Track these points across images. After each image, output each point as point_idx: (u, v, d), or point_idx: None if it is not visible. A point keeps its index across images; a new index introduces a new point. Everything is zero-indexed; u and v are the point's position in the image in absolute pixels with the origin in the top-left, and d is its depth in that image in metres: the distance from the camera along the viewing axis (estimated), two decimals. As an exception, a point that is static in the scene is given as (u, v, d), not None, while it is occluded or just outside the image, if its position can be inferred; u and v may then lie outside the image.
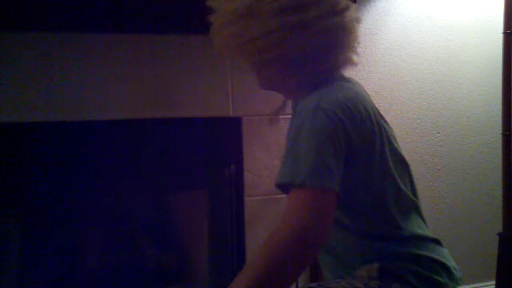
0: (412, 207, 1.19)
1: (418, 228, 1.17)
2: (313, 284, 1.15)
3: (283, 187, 1.03)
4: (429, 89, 2.32)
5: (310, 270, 2.00)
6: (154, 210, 2.22)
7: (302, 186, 0.98)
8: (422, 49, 2.30)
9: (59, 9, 1.69)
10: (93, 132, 1.81)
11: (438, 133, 2.35)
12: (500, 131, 2.06)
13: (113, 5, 1.75)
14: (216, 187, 2.07)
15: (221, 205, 2.05)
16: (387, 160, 1.12)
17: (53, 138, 1.77)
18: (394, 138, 1.20)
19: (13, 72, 1.70)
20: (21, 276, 1.94)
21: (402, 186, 1.16)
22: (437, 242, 1.19)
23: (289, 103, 1.32)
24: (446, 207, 2.37)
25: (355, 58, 1.19)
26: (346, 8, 1.14)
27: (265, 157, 1.98)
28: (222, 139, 1.98)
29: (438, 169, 2.36)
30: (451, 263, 1.16)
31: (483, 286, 2.37)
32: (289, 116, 1.29)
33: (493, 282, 2.11)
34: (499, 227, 2.08)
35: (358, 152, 1.06)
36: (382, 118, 1.18)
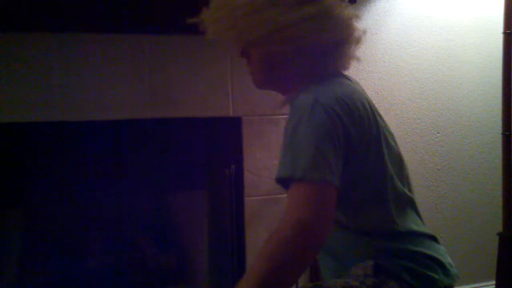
0: (408, 203, 1.19)
1: (414, 224, 1.17)
2: (310, 285, 1.15)
3: (283, 182, 1.03)
4: (429, 89, 2.32)
5: (310, 270, 2.00)
6: (154, 210, 2.22)
7: (302, 180, 0.98)
8: (422, 49, 2.30)
9: (59, 9, 1.69)
10: (93, 132, 1.81)
11: (438, 133, 2.35)
12: (500, 131, 2.06)
13: (113, 5, 1.75)
14: (216, 187, 2.07)
15: (221, 205, 2.05)
16: (383, 156, 1.13)
17: (53, 138, 1.77)
18: (391, 135, 1.21)
19: (13, 72, 1.70)
20: (22, 276, 1.95)
21: (398, 182, 1.16)
22: (433, 238, 1.19)
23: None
24: (446, 207, 2.37)
25: (357, 54, 1.20)
26: (346, 6, 1.17)
27: (265, 157, 1.98)
28: (222, 139, 1.98)
29: (438, 169, 2.36)
30: (447, 259, 1.16)
31: (483, 286, 2.37)
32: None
33: (493, 282, 2.11)
34: (499, 227, 2.08)
35: (356, 147, 1.07)
36: (379, 115, 1.18)
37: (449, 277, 1.14)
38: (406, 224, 1.15)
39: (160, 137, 1.89)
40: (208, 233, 2.11)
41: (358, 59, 1.21)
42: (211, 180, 2.08)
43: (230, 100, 1.95)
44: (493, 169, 2.38)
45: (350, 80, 1.20)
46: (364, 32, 1.20)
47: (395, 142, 1.21)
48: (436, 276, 1.11)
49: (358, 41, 1.19)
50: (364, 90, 1.21)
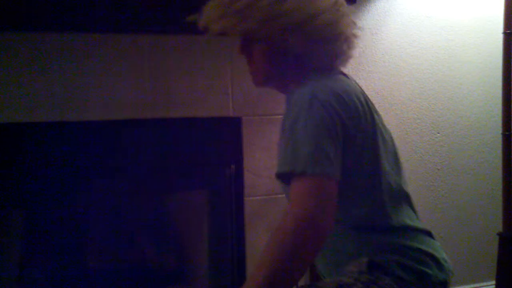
0: (403, 198, 1.19)
1: (408, 219, 1.17)
2: (305, 285, 1.15)
3: (284, 177, 1.04)
4: (429, 89, 2.32)
5: (310, 271, 2.00)
6: (154, 210, 2.22)
7: (304, 174, 0.99)
8: (422, 49, 2.30)
9: (59, 9, 1.69)
10: (93, 132, 1.81)
11: (438, 133, 2.35)
12: (500, 131, 2.06)
13: (113, 5, 1.75)
14: (216, 187, 2.07)
15: (221, 205, 2.05)
16: (378, 150, 1.14)
17: (53, 138, 1.77)
18: (387, 131, 1.21)
19: (13, 72, 1.70)
20: (22, 276, 1.95)
21: (394, 177, 1.17)
22: (428, 234, 1.19)
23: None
24: (446, 207, 2.37)
25: (352, 52, 1.22)
26: (343, 4, 1.19)
27: (265, 157, 1.98)
28: (222, 139, 1.98)
29: (438, 169, 2.36)
30: (441, 254, 1.17)
31: (483, 286, 2.37)
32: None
33: (493, 282, 2.11)
34: (499, 227, 2.08)
35: (352, 141, 1.08)
36: (376, 111, 1.19)
37: (443, 272, 1.14)
38: (400, 218, 1.15)
39: (160, 137, 1.89)
40: (208, 233, 2.11)
41: (354, 56, 1.23)
42: (211, 180, 2.08)
43: (230, 100, 1.95)
44: (493, 169, 2.38)
45: (346, 76, 1.22)
46: (360, 28, 1.22)
47: (391, 138, 1.22)
48: (429, 271, 1.11)
49: (354, 36, 1.20)
50: (358, 84, 1.22)
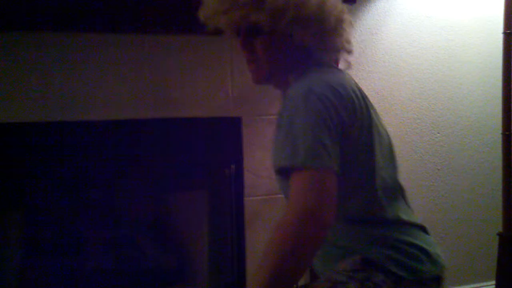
0: (397, 192, 1.20)
1: (402, 213, 1.18)
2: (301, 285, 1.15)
3: (283, 171, 1.04)
4: (429, 89, 2.32)
5: (310, 270, 2.00)
6: (154, 210, 2.22)
7: (303, 168, 1.00)
8: (422, 49, 2.30)
9: (59, 9, 1.69)
10: (93, 132, 1.81)
11: (438, 133, 2.35)
12: (500, 131, 2.06)
13: (113, 5, 1.75)
14: (216, 187, 2.07)
15: (221, 205, 2.05)
16: (374, 144, 1.14)
17: (53, 138, 1.77)
18: (382, 125, 1.22)
19: (13, 72, 1.70)
20: (22, 276, 1.94)
21: (389, 171, 1.18)
22: (422, 228, 1.20)
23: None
24: (446, 207, 2.37)
25: (348, 46, 1.23)
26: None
27: (265, 157, 1.98)
28: (222, 139, 1.98)
29: (438, 169, 2.36)
30: (435, 250, 1.17)
31: (483, 286, 2.37)
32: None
33: (493, 282, 2.11)
34: (499, 227, 2.08)
35: (348, 133, 1.09)
36: (371, 105, 1.20)
37: (436, 268, 1.14)
38: (395, 212, 1.16)
39: (160, 137, 1.89)
40: (208, 233, 2.11)
41: (351, 51, 1.24)
42: (211, 180, 2.08)
43: (230, 100, 1.95)
44: (493, 169, 2.38)
45: (339, 69, 1.23)
46: (351, 22, 1.23)
47: (387, 133, 1.23)
48: (422, 266, 1.12)
49: (350, 33, 1.22)
50: (353, 78, 1.23)
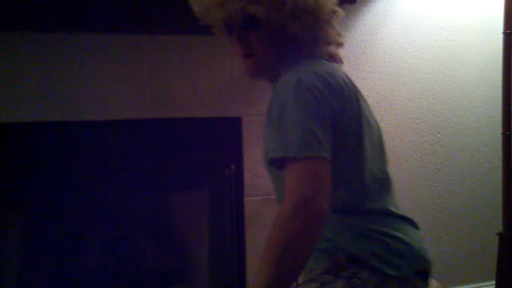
0: (385, 185, 1.20)
1: (391, 206, 1.18)
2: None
3: (276, 162, 1.05)
4: (429, 89, 2.32)
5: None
6: (154, 210, 2.22)
7: (295, 159, 1.01)
8: (422, 49, 2.30)
9: (59, 9, 1.69)
10: (93, 132, 1.81)
11: (438, 133, 2.35)
12: (500, 131, 2.07)
13: (112, 5, 1.75)
14: (216, 187, 2.07)
15: (221, 205, 2.05)
16: (363, 134, 1.15)
17: (53, 138, 1.77)
18: (372, 117, 1.22)
19: (13, 72, 1.70)
20: (22, 276, 1.94)
21: (377, 163, 1.18)
22: (410, 222, 1.20)
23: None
24: (446, 207, 2.37)
25: (338, 38, 1.24)
26: None
27: (265, 157, 1.98)
28: (222, 139, 1.98)
29: (438, 169, 2.36)
30: (420, 244, 1.17)
31: (483, 286, 2.37)
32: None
33: (493, 282, 2.11)
34: (499, 227, 2.08)
35: (337, 123, 1.09)
36: (362, 96, 1.20)
37: (419, 263, 1.14)
38: (382, 204, 1.16)
39: (160, 137, 1.89)
40: (208, 233, 2.11)
41: (341, 44, 1.25)
42: (211, 180, 2.07)
43: (230, 100, 1.95)
44: (493, 169, 2.38)
45: (330, 62, 1.23)
46: (341, 16, 1.23)
47: (377, 124, 1.23)
48: (402, 262, 1.11)
49: (337, 23, 1.23)
50: (343, 71, 1.22)
